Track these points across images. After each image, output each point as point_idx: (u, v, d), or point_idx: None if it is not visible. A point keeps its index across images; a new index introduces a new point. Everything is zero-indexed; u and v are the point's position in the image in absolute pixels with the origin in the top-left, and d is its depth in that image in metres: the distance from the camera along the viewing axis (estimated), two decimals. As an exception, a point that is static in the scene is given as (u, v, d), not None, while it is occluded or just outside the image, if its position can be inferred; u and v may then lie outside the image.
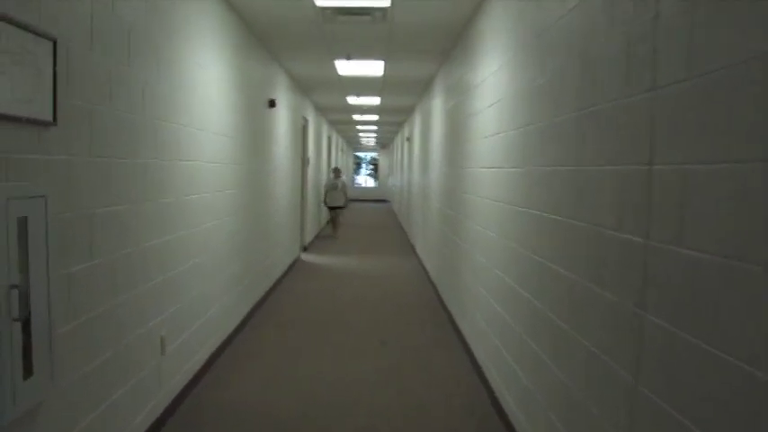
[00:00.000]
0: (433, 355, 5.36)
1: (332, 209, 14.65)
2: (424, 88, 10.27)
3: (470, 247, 5.33)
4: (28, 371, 2.16)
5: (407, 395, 4.38)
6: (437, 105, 8.49)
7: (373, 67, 8.29)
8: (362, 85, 10.14)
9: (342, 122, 18.09)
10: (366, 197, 33.11)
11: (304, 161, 11.67)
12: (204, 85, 4.50)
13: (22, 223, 2.12)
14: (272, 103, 7.37)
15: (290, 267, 9.63)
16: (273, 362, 5.04)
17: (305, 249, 11.87)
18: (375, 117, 16.05)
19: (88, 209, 2.70)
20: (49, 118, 2.33)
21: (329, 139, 17.87)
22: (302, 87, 10.49)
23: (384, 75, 8.86)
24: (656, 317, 1.89)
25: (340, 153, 24.15)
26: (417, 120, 12.27)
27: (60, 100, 2.42)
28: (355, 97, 11.70)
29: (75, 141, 2.57)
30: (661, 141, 1.89)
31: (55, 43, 2.34)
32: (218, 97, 4.90)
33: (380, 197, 32.81)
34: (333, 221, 14.75)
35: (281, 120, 8.43)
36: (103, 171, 2.83)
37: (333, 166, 18.50)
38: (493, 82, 4.51)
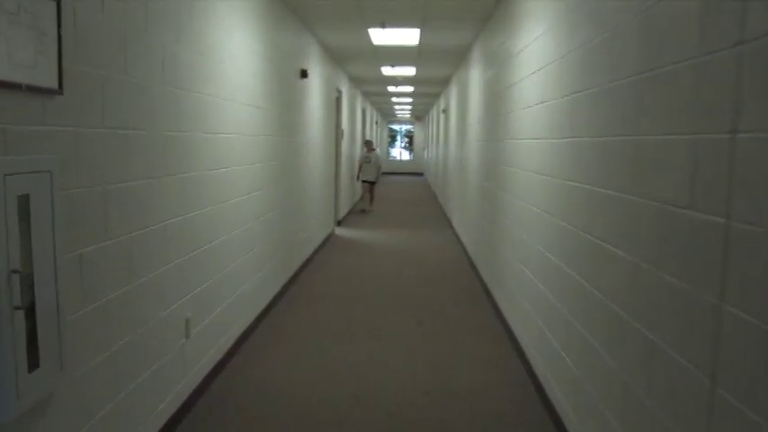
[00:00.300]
0: (471, 336, 5.14)
1: (364, 183, 14.34)
2: (460, 58, 9.92)
3: (511, 222, 5.07)
4: (33, 362, 1.99)
5: (442, 379, 4.17)
6: (475, 76, 8.17)
7: (408, 36, 7.98)
8: (397, 55, 9.83)
9: (376, 94, 17.79)
10: (401, 170, 32.84)
11: (338, 133, 11.45)
12: (231, 53, 4.28)
13: (24, 201, 1.93)
14: (303, 74, 7.13)
15: (325, 242, 9.47)
16: (306, 339, 4.87)
17: (339, 224, 11.70)
18: (410, 89, 15.72)
19: (101, 184, 2.51)
20: (54, 85, 2.13)
21: (363, 111, 17.61)
22: (336, 58, 10.23)
23: (420, 44, 8.54)
24: (739, 307, 1.63)
25: (375, 125, 23.89)
26: (454, 91, 11.93)
27: (66, 66, 2.22)
28: (390, 68, 11.39)
29: (85, 111, 2.37)
30: (749, 106, 1.61)
31: (59, 3, 2.13)
32: (246, 66, 4.68)
33: (415, 170, 32.50)
34: (366, 195, 14.44)
35: (314, 91, 8.21)
36: (118, 144, 2.64)
37: (366, 138, 18.18)
38: (536, 48, 4.21)
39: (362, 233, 10.90)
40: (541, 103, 4.00)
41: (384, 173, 32.08)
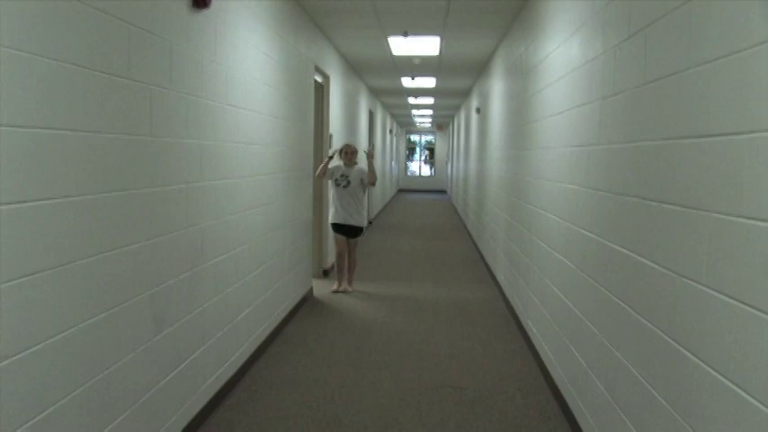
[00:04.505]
0: None
1: (338, 229, 6.87)
2: (513, 16, 5.99)
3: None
4: None
5: None
6: (545, 42, 4.27)
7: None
8: (412, 14, 5.95)
9: (388, 92, 13.91)
10: (421, 187, 28.99)
11: (323, 140, 7.55)
12: None
13: None
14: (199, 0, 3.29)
15: (288, 319, 5.57)
16: None
17: (326, 274, 7.80)
18: (432, 81, 11.79)
19: None
20: None
21: (371, 114, 13.67)
22: (309, 12, 6.38)
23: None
24: None
25: (389, 135, 19.98)
26: (497, 78, 8.01)
27: None
28: (402, 39, 7.50)
29: None
30: None
31: None
32: None
33: (438, 187, 28.57)
34: (339, 260, 7.00)
35: (241, 48, 4.29)
36: None
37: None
38: None
39: (352, 297, 6.97)
40: None
41: (401, 190, 28.16)
